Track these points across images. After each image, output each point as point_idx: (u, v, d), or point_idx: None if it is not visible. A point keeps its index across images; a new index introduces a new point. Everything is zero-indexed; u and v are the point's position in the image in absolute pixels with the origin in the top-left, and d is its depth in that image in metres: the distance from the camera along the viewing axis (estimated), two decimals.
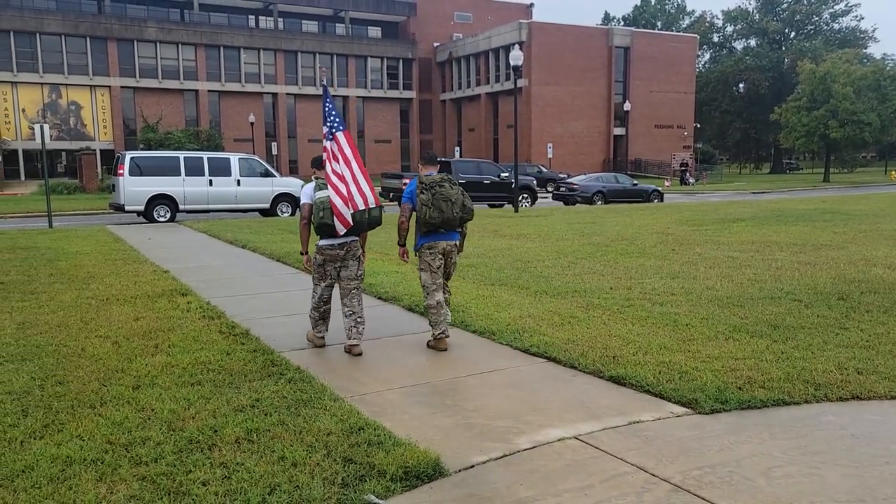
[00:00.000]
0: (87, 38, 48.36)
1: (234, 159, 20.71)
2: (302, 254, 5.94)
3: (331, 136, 5.52)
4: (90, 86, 48.91)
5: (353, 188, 5.45)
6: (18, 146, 46.82)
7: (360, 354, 5.63)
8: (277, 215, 21.00)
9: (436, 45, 61.73)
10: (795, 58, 63.99)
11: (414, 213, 5.82)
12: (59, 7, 49.91)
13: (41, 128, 17.70)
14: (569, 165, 50.50)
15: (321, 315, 5.85)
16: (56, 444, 3.77)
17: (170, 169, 19.51)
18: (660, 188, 30.49)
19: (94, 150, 44.80)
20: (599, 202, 27.35)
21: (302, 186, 6.21)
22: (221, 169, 20.05)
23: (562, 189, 28.95)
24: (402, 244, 5.91)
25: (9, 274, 9.67)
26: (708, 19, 79.97)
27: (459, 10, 63.28)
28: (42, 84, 47.57)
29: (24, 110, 47.14)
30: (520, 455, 3.72)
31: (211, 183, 19.80)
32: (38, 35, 46.80)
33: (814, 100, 51.11)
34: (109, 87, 49.27)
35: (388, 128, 60.29)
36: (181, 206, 19.58)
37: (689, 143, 59.55)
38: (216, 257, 11.89)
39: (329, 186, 5.47)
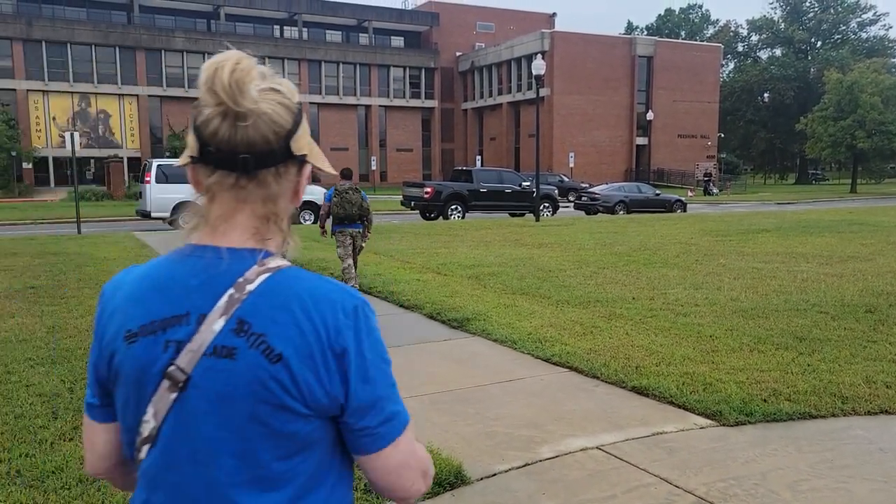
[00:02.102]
0: (117, 48, 49.28)
1: None
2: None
3: None
4: (118, 95, 49.80)
5: None
6: (48, 153, 47.76)
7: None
8: (300, 223, 21.16)
9: (458, 54, 61.97)
10: (822, 67, 63.26)
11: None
12: (89, 17, 50.94)
13: (72, 136, 18.07)
14: (591, 175, 50.31)
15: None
16: None
17: None
18: (683, 198, 30.23)
19: (122, 158, 45.62)
20: (621, 212, 27.20)
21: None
22: None
23: (583, 198, 28.84)
24: (322, 226, 8.95)
25: (39, 279, 9.87)
26: (732, 28, 79.39)
27: (482, 19, 63.52)
28: (72, 93, 48.53)
29: (54, 118, 48.11)
30: (542, 464, 3.71)
31: None
32: (69, 45, 47.80)
33: (840, 110, 50.42)
34: (137, 96, 50.13)
35: (410, 136, 60.56)
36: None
37: (713, 153, 59.05)
38: None
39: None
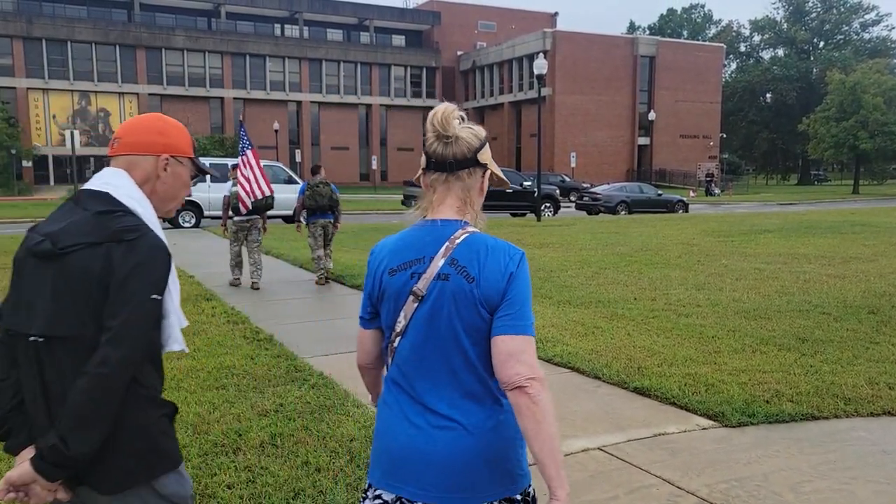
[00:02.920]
0: (117, 46, 49.30)
1: None
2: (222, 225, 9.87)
3: (242, 153, 9.10)
4: (119, 93, 49.84)
5: (255, 185, 9.00)
6: (48, 152, 47.80)
7: (258, 289, 9.07)
8: (301, 222, 21.13)
9: (459, 53, 61.96)
10: (824, 68, 63.19)
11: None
12: (90, 15, 50.94)
13: (72, 134, 18.08)
14: (592, 175, 50.29)
15: (235, 264, 9.50)
16: None
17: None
18: (685, 199, 30.21)
19: None
20: (623, 212, 27.17)
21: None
22: None
23: (585, 198, 28.82)
24: (297, 220, 10.12)
25: None
26: (735, 28, 79.32)
27: (483, 19, 63.50)
28: (72, 91, 48.56)
29: (54, 117, 48.14)
30: None
31: None
32: (69, 43, 47.83)
33: (843, 110, 50.37)
34: (137, 94, 50.15)
35: (411, 136, 60.54)
36: (206, 212, 19.80)
37: (715, 154, 59.00)
38: None
39: (238, 185, 9.07)
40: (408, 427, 1.62)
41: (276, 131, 48.27)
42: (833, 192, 53.16)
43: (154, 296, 1.63)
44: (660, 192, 30.01)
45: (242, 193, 8.98)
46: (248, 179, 8.95)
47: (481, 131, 1.69)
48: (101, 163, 46.41)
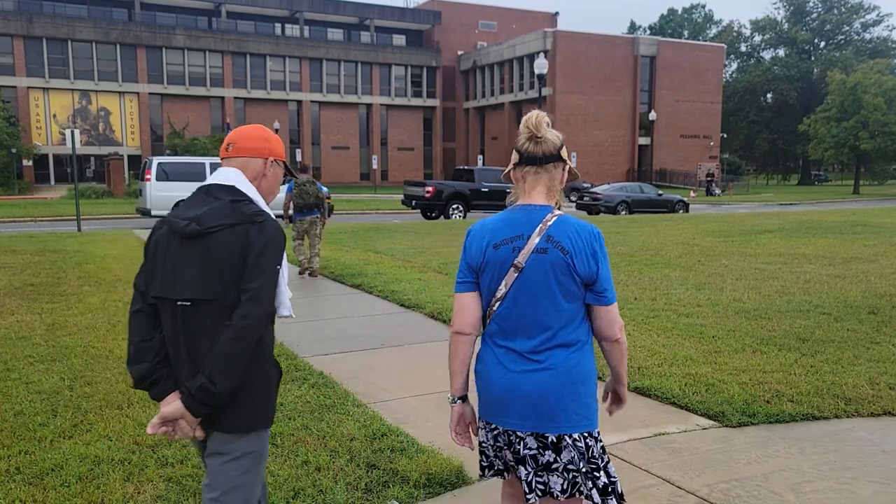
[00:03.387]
0: (118, 46, 49.29)
1: None
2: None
3: None
4: (119, 92, 49.83)
5: None
6: (49, 151, 47.80)
7: None
8: (288, 219, 21.13)
9: (460, 53, 61.94)
10: (825, 68, 63.21)
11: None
12: (90, 15, 50.95)
13: (72, 133, 18.03)
14: (592, 175, 50.28)
15: None
16: (85, 443, 3.82)
17: (196, 174, 19.73)
18: (685, 199, 30.19)
19: (122, 156, 45.65)
20: (623, 212, 27.17)
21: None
22: None
23: (585, 198, 28.80)
24: (286, 215, 10.45)
25: (39, 276, 9.85)
26: (735, 29, 79.31)
27: (484, 18, 63.46)
28: (73, 90, 48.56)
29: (55, 116, 48.14)
30: None
31: None
32: (69, 42, 47.83)
33: (844, 111, 50.38)
34: (138, 93, 50.15)
35: (411, 136, 60.54)
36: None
37: (716, 154, 58.99)
38: None
39: None
40: (505, 373, 2.10)
41: (277, 130, 48.24)
42: (833, 193, 53.15)
43: (278, 266, 2.06)
44: (660, 192, 29.99)
45: None
46: None
47: (560, 134, 2.13)
48: (102, 162, 46.44)
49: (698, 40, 72.27)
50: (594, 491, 2.14)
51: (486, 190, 23.70)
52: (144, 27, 50.45)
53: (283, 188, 20.83)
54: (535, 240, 2.03)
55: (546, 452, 2.11)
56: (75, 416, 4.26)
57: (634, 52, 54.96)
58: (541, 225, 2.04)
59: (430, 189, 23.28)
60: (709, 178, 51.52)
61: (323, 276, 10.22)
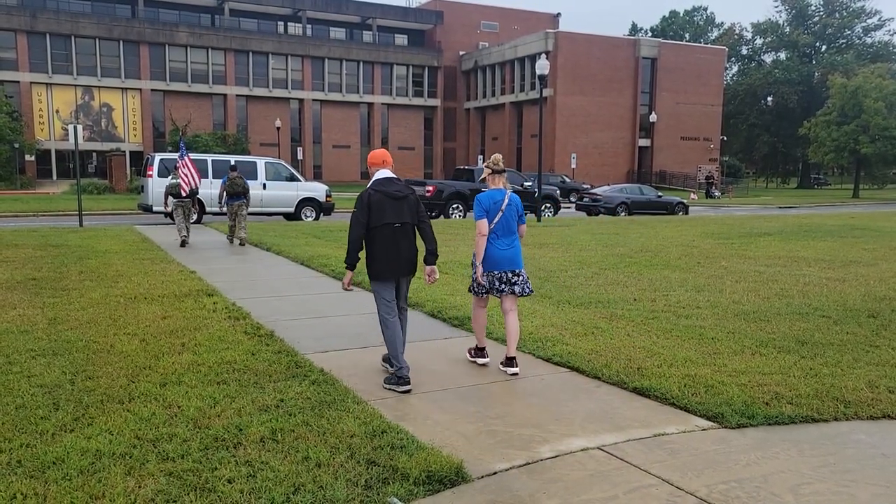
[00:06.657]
0: (121, 42, 49.28)
1: (260, 163, 20.94)
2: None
3: (181, 158, 13.98)
4: (122, 88, 49.83)
5: (191, 180, 13.93)
6: (51, 146, 47.79)
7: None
8: (301, 219, 21.17)
9: (461, 53, 61.94)
10: (826, 72, 63.17)
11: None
12: (94, 11, 50.95)
13: (75, 129, 18.03)
14: (593, 176, 50.30)
15: (182, 228, 13.77)
16: (86, 437, 3.83)
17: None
18: (685, 201, 30.20)
19: (124, 152, 45.59)
20: (623, 213, 27.17)
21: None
22: (247, 173, 20.21)
23: (585, 199, 28.81)
24: (220, 200, 14.31)
25: (41, 270, 9.86)
26: (737, 31, 79.29)
27: (486, 19, 63.47)
28: (76, 86, 48.55)
29: (57, 111, 48.13)
30: (542, 464, 3.70)
31: None
32: (72, 38, 47.82)
33: (844, 114, 50.37)
34: (140, 89, 50.14)
35: (412, 135, 60.55)
36: (208, 209, 19.81)
37: (716, 156, 59.00)
38: (241, 259, 12.01)
39: (181, 178, 13.89)
40: (500, 249, 5.36)
41: (278, 129, 48.26)
42: (833, 196, 53.16)
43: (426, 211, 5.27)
44: (660, 193, 29.98)
45: (182, 183, 13.89)
46: (185, 176, 13.93)
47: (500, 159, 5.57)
48: (104, 157, 46.44)
49: (699, 43, 72.29)
50: (525, 291, 5.45)
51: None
52: (147, 24, 50.43)
53: (298, 188, 21.27)
54: (506, 201, 5.34)
55: (514, 277, 5.39)
56: (77, 409, 4.27)
57: (636, 53, 54.97)
58: (506, 196, 5.36)
59: (430, 188, 23.31)
60: (708, 181, 51.54)
61: (321, 274, 10.21)
